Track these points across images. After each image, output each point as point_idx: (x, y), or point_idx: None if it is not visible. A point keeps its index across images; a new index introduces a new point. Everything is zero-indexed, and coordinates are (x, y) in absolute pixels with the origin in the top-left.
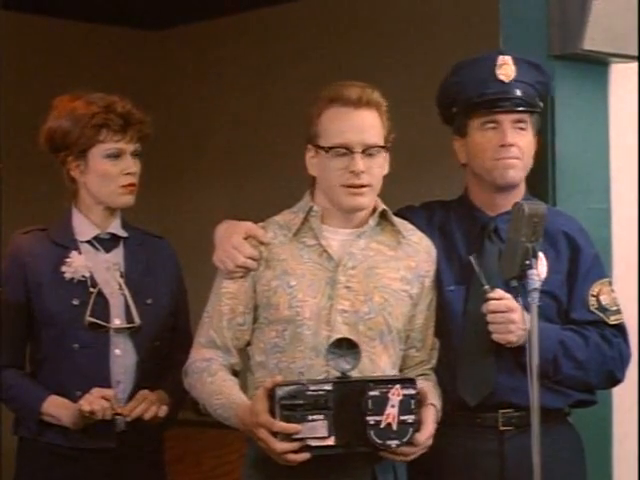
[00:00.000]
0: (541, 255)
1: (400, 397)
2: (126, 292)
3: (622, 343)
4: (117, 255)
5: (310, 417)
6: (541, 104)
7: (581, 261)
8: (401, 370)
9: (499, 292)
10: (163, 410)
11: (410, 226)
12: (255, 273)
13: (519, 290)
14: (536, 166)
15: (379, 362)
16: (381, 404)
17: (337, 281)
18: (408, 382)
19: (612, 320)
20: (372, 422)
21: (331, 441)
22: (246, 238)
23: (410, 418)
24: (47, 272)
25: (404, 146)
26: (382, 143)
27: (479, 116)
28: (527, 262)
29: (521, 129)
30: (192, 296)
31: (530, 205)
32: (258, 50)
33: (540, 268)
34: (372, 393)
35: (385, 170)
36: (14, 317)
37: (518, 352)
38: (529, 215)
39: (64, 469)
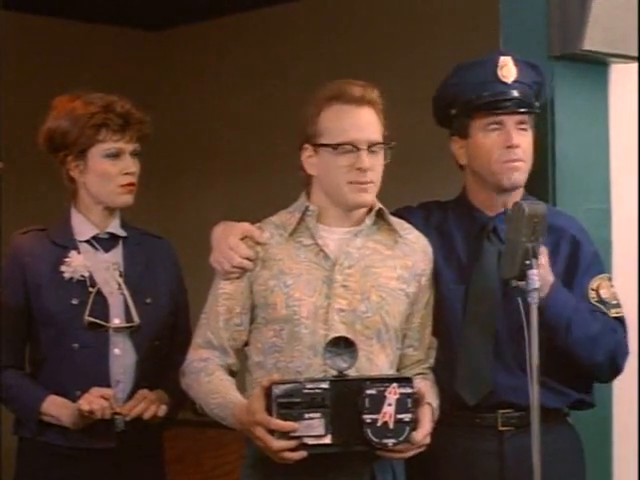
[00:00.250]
0: (543, 248)
1: (397, 396)
2: (125, 292)
3: (623, 335)
4: (116, 255)
5: (307, 415)
6: (538, 104)
7: (581, 257)
8: (399, 369)
9: None
10: (162, 409)
11: (407, 225)
12: (252, 273)
13: (519, 290)
14: (536, 166)
15: (376, 361)
16: (378, 402)
17: (334, 280)
18: (405, 381)
19: (613, 313)
20: (369, 420)
21: (328, 439)
22: (242, 239)
23: (407, 417)
24: (46, 272)
25: (403, 146)
26: (382, 140)
27: (482, 117)
28: (527, 262)
29: (523, 130)
30: (192, 296)
31: (530, 205)
32: (258, 50)
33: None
34: (369, 391)
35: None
36: (14, 317)
37: (518, 351)
38: (529, 215)
39: (64, 469)
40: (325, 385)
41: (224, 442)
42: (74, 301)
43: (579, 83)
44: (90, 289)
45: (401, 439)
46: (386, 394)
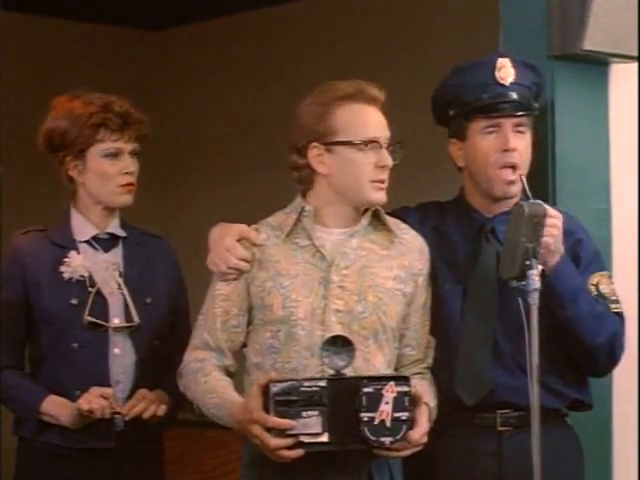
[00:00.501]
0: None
1: (394, 394)
2: (125, 291)
3: (621, 329)
4: (116, 255)
5: (304, 413)
6: (536, 105)
7: (582, 254)
8: (397, 369)
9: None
10: (162, 409)
11: (403, 225)
12: (249, 275)
13: (519, 290)
14: (536, 166)
15: (374, 361)
16: (375, 401)
17: (330, 281)
18: (402, 379)
19: (612, 308)
20: (366, 419)
21: (325, 437)
22: (239, 240)
23: (404, 415)
24: (46, 272)
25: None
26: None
27: (479, 120)
28: (527, 262)
29: (520, 132)
30: (192, 296)
31: (530, 205)
32: (258, 50)
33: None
34: (366, 390)
35: None
36: (13, 317)
37: (517, 351)
38: (529, 215)
39: (64, 469)
40: (322, 383)
41: (224, 442)
42: (74, 301)
43: (579, 83)
44: (90, 289)
45: (398, 437)
46: (383, 392)
